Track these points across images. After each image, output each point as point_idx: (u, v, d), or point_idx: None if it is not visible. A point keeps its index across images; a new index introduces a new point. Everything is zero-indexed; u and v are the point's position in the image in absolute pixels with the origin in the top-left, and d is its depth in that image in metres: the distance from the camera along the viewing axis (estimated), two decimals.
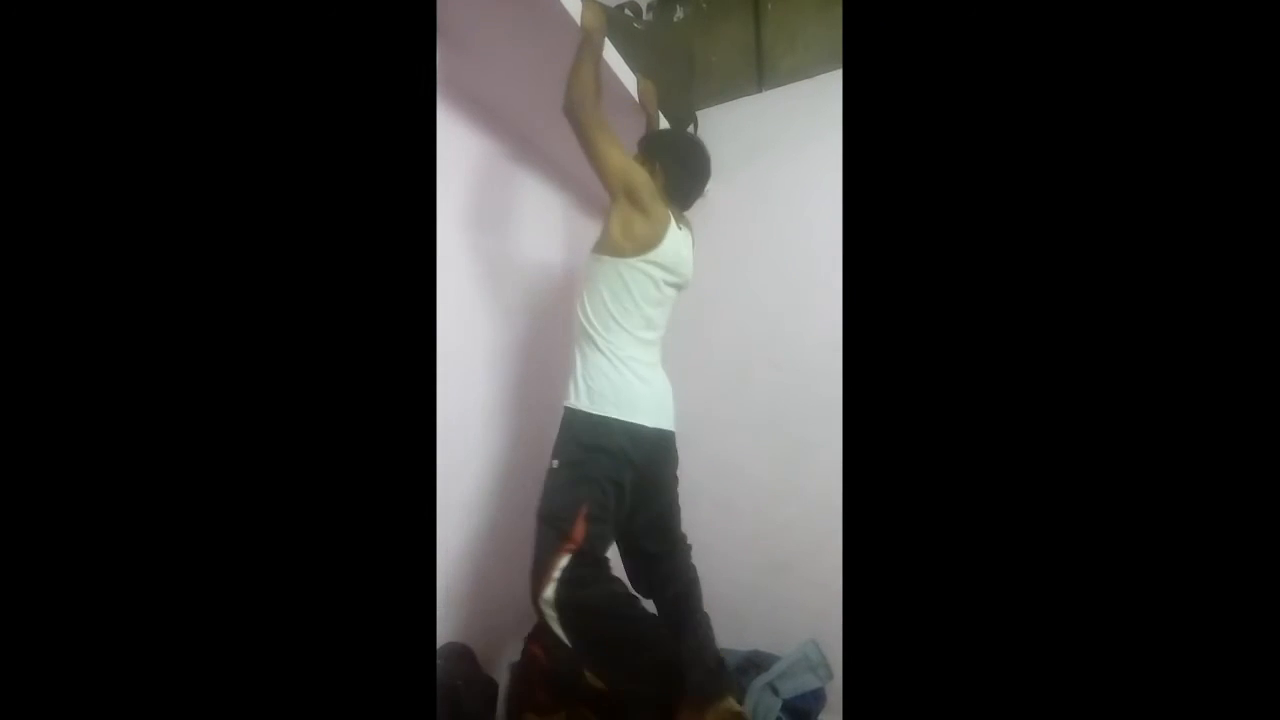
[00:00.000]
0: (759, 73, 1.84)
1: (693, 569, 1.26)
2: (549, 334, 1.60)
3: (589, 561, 1.02)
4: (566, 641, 1.01)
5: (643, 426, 1.11)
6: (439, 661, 1.08)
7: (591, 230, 1.20)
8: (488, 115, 1.46)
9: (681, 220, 1.24)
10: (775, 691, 1.21)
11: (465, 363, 1.36)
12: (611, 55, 1.33)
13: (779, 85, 1.79)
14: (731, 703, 1.01)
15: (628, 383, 1.12)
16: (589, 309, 1.15)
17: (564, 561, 1.01)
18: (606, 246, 1.16)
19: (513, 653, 1.33)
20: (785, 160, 1.69)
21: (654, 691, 0.99)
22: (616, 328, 1.14)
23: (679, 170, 1.24)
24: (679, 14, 2.01)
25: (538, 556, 1.03)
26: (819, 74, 1.69)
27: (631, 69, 1.43)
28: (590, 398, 1.10)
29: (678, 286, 1.23)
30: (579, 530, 1.02)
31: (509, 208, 1.56)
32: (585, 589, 1.00)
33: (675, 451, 1.24)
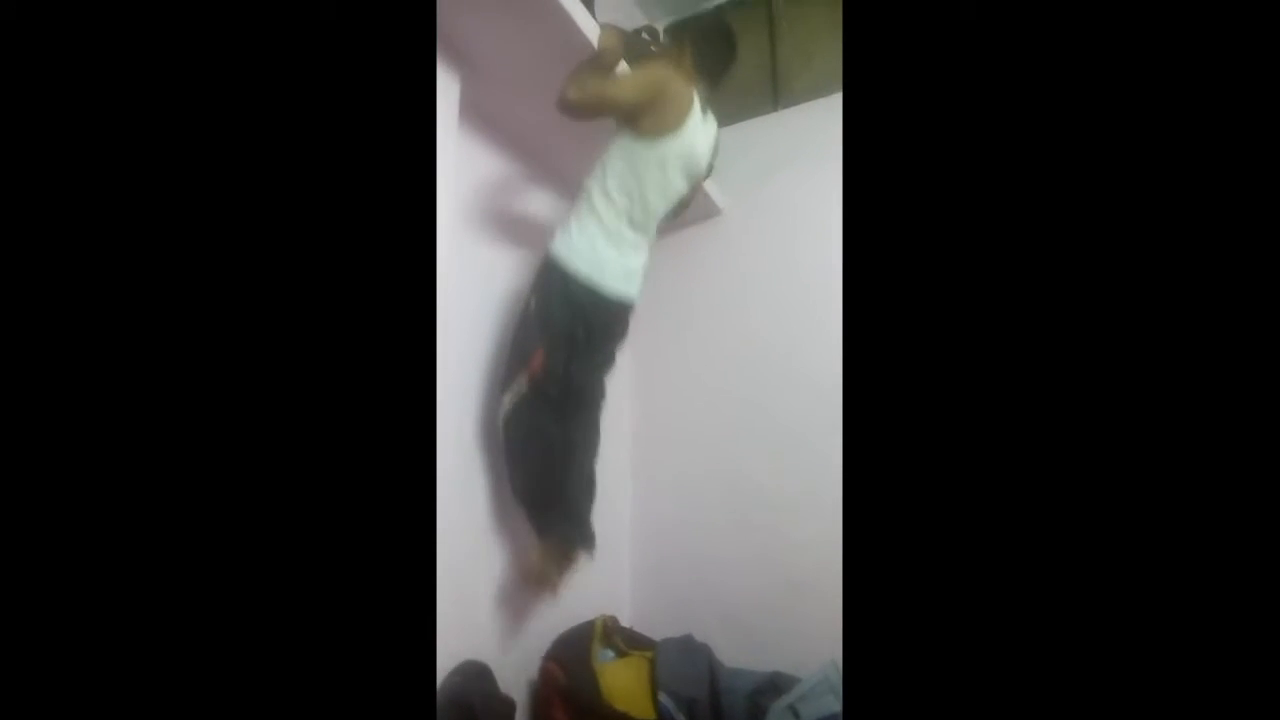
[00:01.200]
0: (774, 92, 1.86)
1: (599, 428, 1.36)
2: None
3: (541, 393, 1.20)
4: (502, 446, 1.26)
5: (604, 292, 1.21)
6: (457, 679, 1.08)
7: None
8: (506, 137, 1.49)
9: (706, 108, 1.27)
10: (796, 714, 1.19)
11: (481, 380, 1.37)
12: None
13: (794, 104, 1.80)
14: (571, 550, 1.26)
15: (607, 251, 1.21)
16: (595, 177, 1.22)
17: (521, 384, 1.21)
18: (629, 126, 1.19)
19: (530, 671, 1.33)
20: (801, 177, 1.70)
21: (532, 516, 1.27)
22: (614, 206, 1.20)
23: (706, 46, 1.27)
24: None
25: (505, 370, 1.26)
26: (834, 93, 1.70)
27: None
28: (570, 252, 1.21)
29: (690, 177, 1.28)
30: (536, 362, 1.20)
31: (525, 226, 1.58)
32: (532, 417, 1.21)
33: (628, 322, 1.33)
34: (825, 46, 1.79)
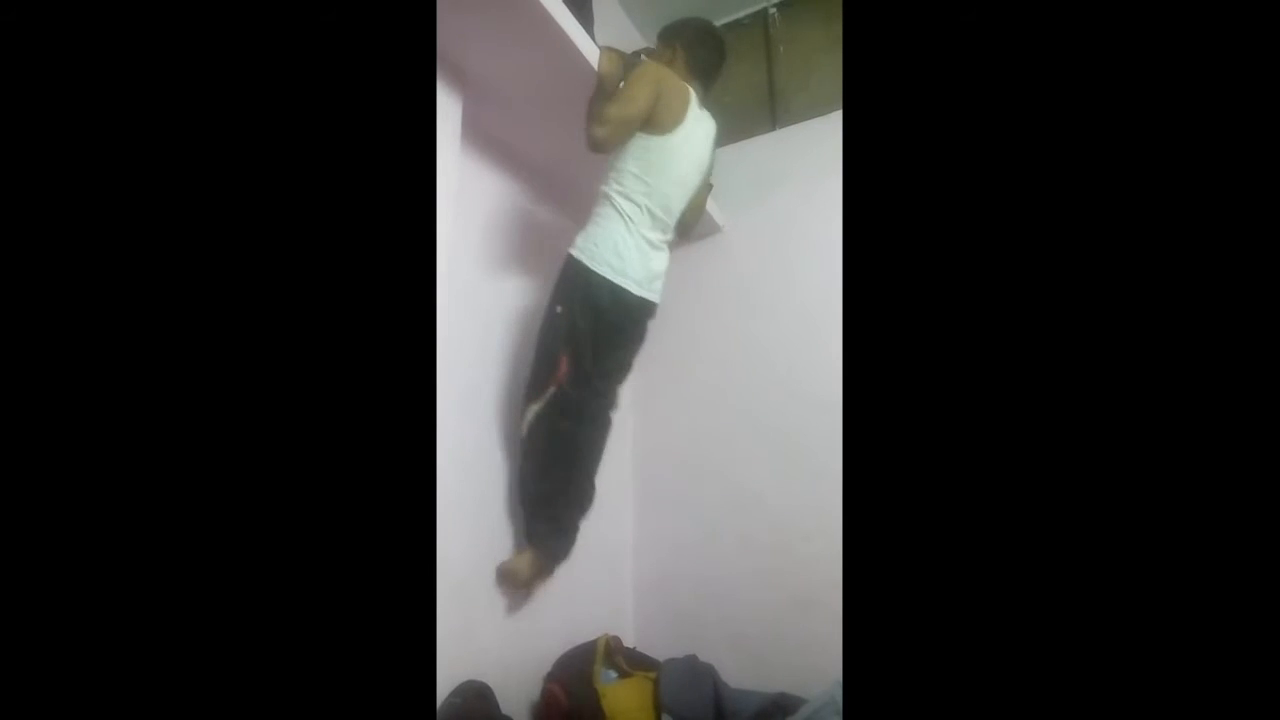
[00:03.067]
0: (772, 111, 1.89)
1: (607, 437, 1.40)
2: None
3: (564, 397, 1.24)
4: (522, 454, 1.30)
5: (627, 291, 1.23)
6: (457, 700, 1.07)
7: None
8: (508, 158, 1.51)
9: (703, 103, 1.34)
10: None
11: (484, 398, 1.38)
12: None
13: (792, 123, 1.83)
14: (552, 563, 1.33)
15: (629, 250, 1.23)
16: (614, 179, 1.25)
17: (551, 392, 1.24)
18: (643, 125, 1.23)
19: (532, 692, 1.31)
20: (799, 194, 1.72)
21: (527, 518, 1.31)
22: (633, 202, 1.23)
23: (697, 46, 1.36)
24: None
25: (531, 381, 1.28)
26: (830, 112, 1.73)
27: None
28: (591, 254, 1.22)
29: (699, 169, 1.33)
30: (562, 370, 1.23)
31: (527, 245, 1.60)
32: (553, 422, 1.25)
33: (647, 325, 1.35)
34: (822, 66, 1.82)
